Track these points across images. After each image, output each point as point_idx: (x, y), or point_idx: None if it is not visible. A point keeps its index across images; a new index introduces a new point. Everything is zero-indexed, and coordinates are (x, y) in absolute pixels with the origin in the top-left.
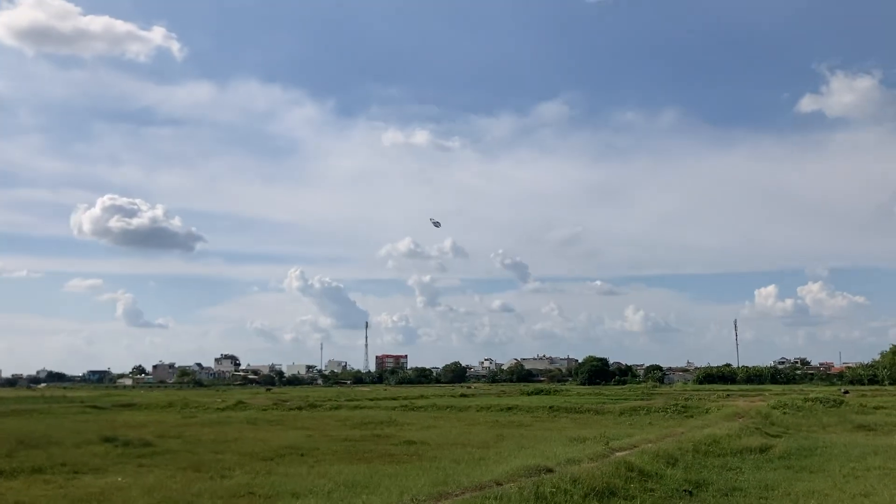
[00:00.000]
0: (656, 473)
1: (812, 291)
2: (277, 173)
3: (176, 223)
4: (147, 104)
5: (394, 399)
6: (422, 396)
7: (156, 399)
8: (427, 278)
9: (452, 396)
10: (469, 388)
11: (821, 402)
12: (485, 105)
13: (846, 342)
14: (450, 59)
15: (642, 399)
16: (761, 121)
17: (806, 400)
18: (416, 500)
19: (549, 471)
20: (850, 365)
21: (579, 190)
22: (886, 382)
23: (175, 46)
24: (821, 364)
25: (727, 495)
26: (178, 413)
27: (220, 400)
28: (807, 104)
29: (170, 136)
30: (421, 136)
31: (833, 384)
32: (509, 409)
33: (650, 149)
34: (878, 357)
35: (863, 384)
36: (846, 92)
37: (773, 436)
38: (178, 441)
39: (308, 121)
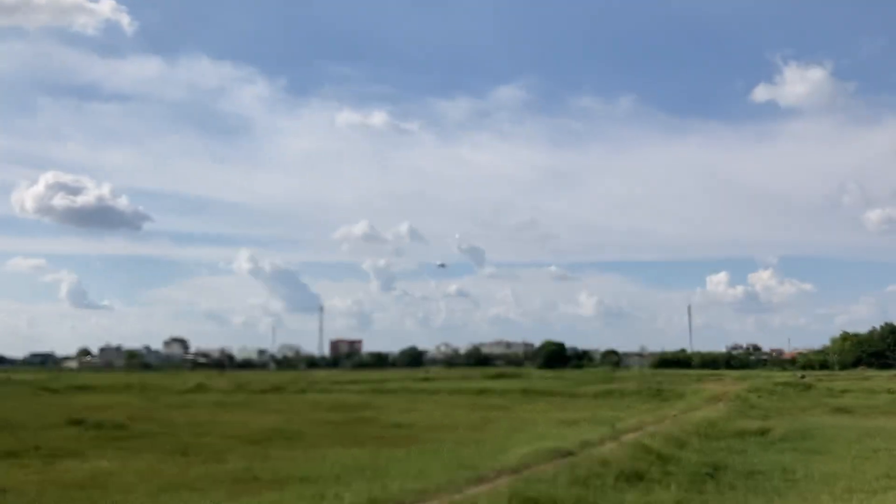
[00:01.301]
0: (672, 456)
1: (762, 279)
2: (228, 153)
3: (123, 202)
4: (92, 79)
5: (355, 383)
6: (385, 380)
7: (112, 381)
8: (382, 262)
9: (415, 380)
10: (427, 371)
11: (791, 387)
12: (441, 87)
13: (794, 328)
14: (406, 39)
15: (603, 382)
16: (715, 109)
17: (776, 384)
18: (452, 483)
19: (570, 453)
20: (802, 351)
21: (536, 175)
22: (837, 368)
23: (125, 20)
24: (771, 350)
25: (748, 478)
26: (137, 396)
27: (179, 383)
28: (760, 94)
29: (116, 113)
30: (378, 118)
31: (786, 369)
32: (482, 392)
33: (606, 135)
34: (828, 343)
35: (814, 369)
36: (799, 82)
37: (760, 418)
38: (152, 424)
39: (260, 99)
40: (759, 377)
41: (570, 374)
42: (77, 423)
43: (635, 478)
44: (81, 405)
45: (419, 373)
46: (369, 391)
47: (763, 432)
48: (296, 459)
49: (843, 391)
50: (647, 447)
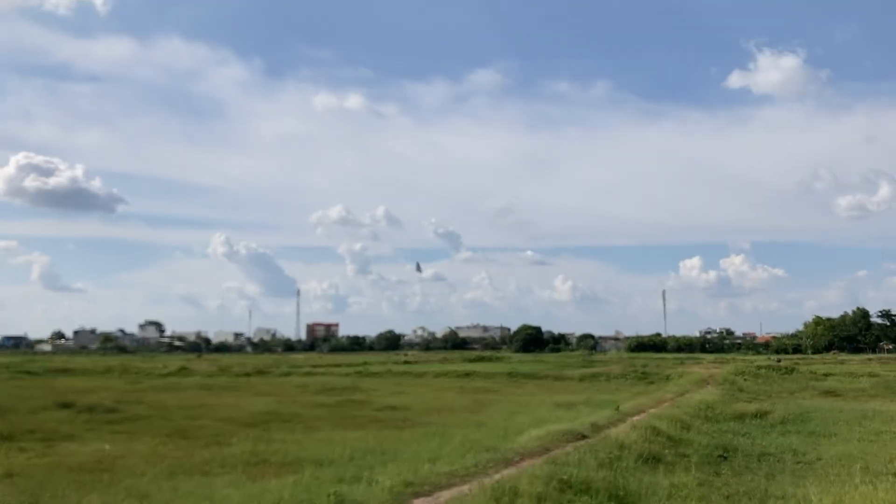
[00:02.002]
0: (682, 439)
1: (734, 264)
2: (202, 135)
3: (96, 184)
4: (64, 59)
5: (337, 366)
6: (366, 363)
7: (91, 365)
8: (358, 246)
9: (396, 363)
10: (406, 355)
11: (773, 370)
12: (417, 71)
13: (765, 313)
14: (381, 22)
15: (584, 366)
16: (690, 95)
17: (759, 367)
18: (478, 465)
19: (584, 436)
20: (775, 335)
21: (512, 160)
22: (810, 351)
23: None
24: (744, 334)
25: (759, 460)
26: (119, 378)
27: (161, 366)
28: (735, 80)
29: (89, 94)
30: (354, 101)
31: (760, 353)
32: (468, 375)
33: (582, 120)
34: (801, 328)
35: (788, 353)
36: (772, 69)
37: (754, 401)
38: (142, 407)
39: (235, 81)
40: (738, 361)
41: (548, 357)
42: (66, 406)
43: (653, 460)
44: (65, 388)
45: (398, 356)
46: (354, 374)
47: (761, 415)
48: (300, 442)
49: (826, 374)
50: (657, 430)
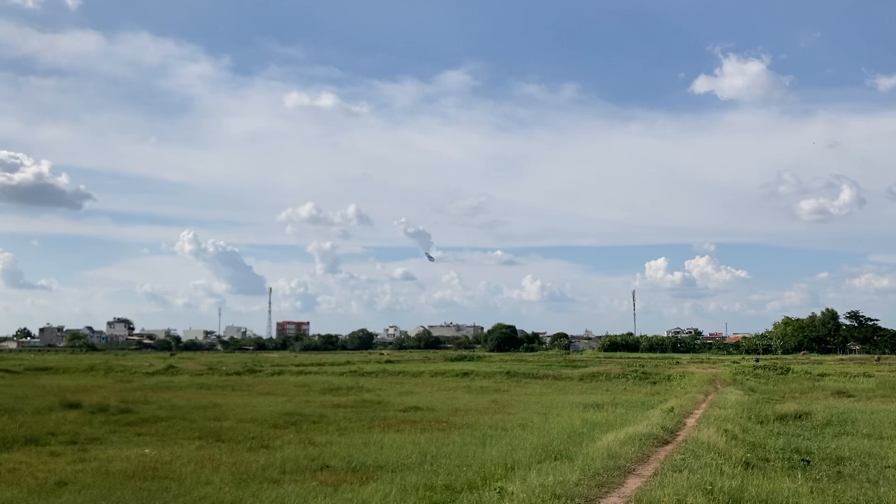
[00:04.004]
0: (756, 442)
1: (699, 265)
2: (171, 131)
3: (63, 180)
4: (28, 52)
5: (328, 364)
6: (348, 362)
7: (72, 363)
8: (328, 245)
9: (378, 363)
10: (382, 354)
11: (770, 371)
12: (388, 71)
13: (729, 313)
14: (351, 21)
15: (569, 366)
16: (657, 99)
17: (755, 368)
18: (597, 474)
19: (666, 442)
20: (746, 335)
21: (482, 160)
22: (780, 352)
23: None
24: (710, 334)
25: (838, 465)
26: (106, 377)
27: (147, 364)
28: (701, 85)
29: (53, 88)
30: (325, 100)
31: (731, 353)
32: (466, 374)
33: (551, 122)
34: (770, 328)
35: (758, 353)
36: (737, 75)
37: (780, 402)
38: (153, 407)
39: (203, 78)
40: (724, 361)
41: (528, 356)
42: (74, 406)
43: (744, 464)
44: (56, 387)
45: (378, 355)
46: (348, 374)
47: (801, 416)
48: (349, 445)
49: (822, 374)
50: (730, 432)
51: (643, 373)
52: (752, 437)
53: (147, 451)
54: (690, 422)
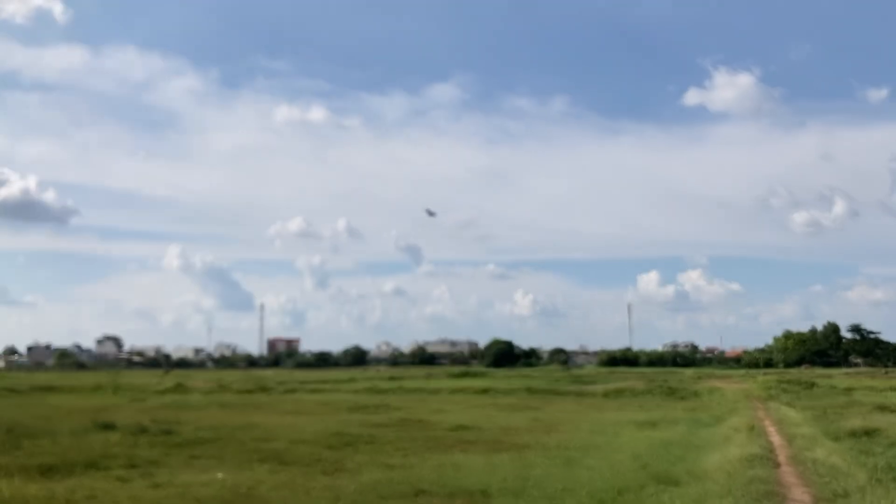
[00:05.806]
0: (862, 463)
1: (692, 279)
2: (157, 146)
3: (50, 196)
4: (12, 67)
5: (325, 382)
6: (352, 380)
7: (74, 382)
8: (317, 259)
9: (382, 380)
10: (378, 370)
11: (797, 385)
12: (376, 84)
13: (722, 327)
14: (339, 33)
15: (575, 382)
16: (647, 112)
17: (780, 383)
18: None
19: (778, 464)
20: (746, 349)
21: (472, 173)
22: (781, 365)
23: (58, 8)
24: (707, 348)
25: None
26: (116, 396)
27: (154, 383)
28: (691, 97)
29: (38, 103)
30: (313, 113)
31: (731, 367)
32: (485, 391)
33: (541, 135)
34: (770, 342)
35: (759, 367)
36: (728, 87)
37: (836, 419)
38: (191, 428)
39: (190, 92)
40: (717, 376)
41: (533, 372)
42: (108, 427)
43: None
44: (72, 407)
45: (380, 373)
46: (365, 391)
47: (869, 433)
48: (426, 468)
49: (848, 389)
50: (837, 451)
51: (669, 388)
52: (852, 456)
53: (220, 475)
54: (775, 440)
